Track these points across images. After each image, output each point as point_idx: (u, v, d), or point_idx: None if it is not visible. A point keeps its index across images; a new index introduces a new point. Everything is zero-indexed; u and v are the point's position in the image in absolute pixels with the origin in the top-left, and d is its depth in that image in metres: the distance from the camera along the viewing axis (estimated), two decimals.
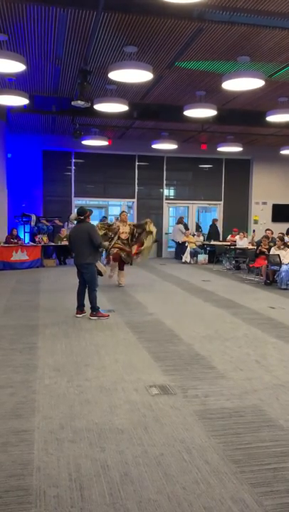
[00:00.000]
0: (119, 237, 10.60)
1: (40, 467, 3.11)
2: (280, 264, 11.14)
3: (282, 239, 12.21)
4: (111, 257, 10.87)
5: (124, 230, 10.64)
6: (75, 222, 7.97)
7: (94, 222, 10.33)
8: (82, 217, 7.64)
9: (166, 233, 19.24)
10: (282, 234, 13.86)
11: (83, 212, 7.67)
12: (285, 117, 11.90)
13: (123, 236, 10.59)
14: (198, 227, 19.32)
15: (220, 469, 3.10)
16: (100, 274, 7.85)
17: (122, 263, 10.74)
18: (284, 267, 10.98)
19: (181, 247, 17.51)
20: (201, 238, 17.93)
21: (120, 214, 11.27)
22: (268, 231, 13.89)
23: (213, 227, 18.43)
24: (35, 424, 3.73)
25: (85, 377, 4.82)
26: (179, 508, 2.69)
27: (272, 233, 13.77)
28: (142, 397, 4.32)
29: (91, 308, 7.57)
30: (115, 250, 10.51)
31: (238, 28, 7.73)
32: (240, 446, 3.41)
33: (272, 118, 11.90)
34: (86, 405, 4.12)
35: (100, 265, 7.92)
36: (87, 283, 7.60)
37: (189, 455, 3.28)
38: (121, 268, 10.79)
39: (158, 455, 3.28)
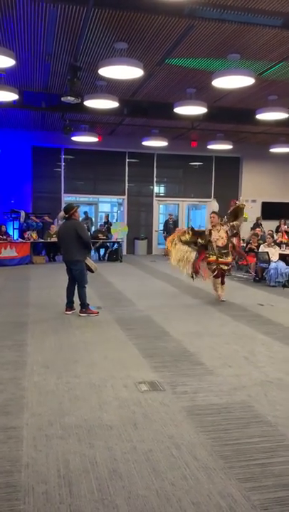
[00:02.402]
0: (215, 246, 8.66)
1: (29, 464, 3.11)
2: (268, 261, 11.21)
3: (272, 236, 12.29)
4: (203, 270, 8.83)
5: (220, 236, 8.66)
6: (64, 220, 7.95)
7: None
8: (67, 215, 7.63)
9: (156, 230, 19.26)
10: (272, 231, 13.96)
11: (69, 209, 7.65)
12: (275, 115, 11.96)
13: (220, 243, 8.64)
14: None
15: (208, 465, 3.13)
16: (91, 270, 7.83)
17: (223, 276, 8.93)
18: (273, 265, 11.05)
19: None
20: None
21: (210, 217, 9.04)
22: (257, 229, 13.97)
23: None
24: (24, 421, 3.73)
25: (75, 374, 4.81)
26: (168, 504, 2.71)
27: (261, 231, 13.85)
28: (131, 393, 4.32)
29: (80, 305, 7.55)
30: (214, 266, 8.67)
31: (228, 25, 7.74)
32: (228, 442, 3.43)
33: (262, 116, 11.95)
34: (75, 402, 4.12)
35: (90, 262, 7.90)
36: (76, 280, 7.58)
37: (178, 451, 3.30)
38: (222, 282, 8.95)
39: (147, 451, 3.29)
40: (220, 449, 3.32)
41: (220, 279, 8.86)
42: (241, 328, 6.86)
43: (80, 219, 17.14)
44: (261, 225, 17.10)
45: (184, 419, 3.81)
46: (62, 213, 7.94)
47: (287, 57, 9.19)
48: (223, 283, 8.96)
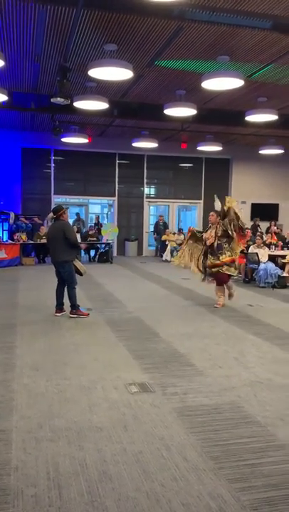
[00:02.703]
0: (208, 250, 8.36)
1: (18, 467, 3.09)
2: (258, 262, 11.27)
3: (261, 237, 12.35)
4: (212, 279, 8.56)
5: (210, 235, 8.29)
6: (53, 220, 7.93)
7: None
8: (55, 216, 7.61)
9: (146, 232, 19.27)
10: (261, 233, 14.04)
11: (57, 211, 7.64)
12: (264, 117, 12.04)
13: (208, 242, 8.29)
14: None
15: (198, 466, 3.13)
16: (80, 273, 7.81)
17: (221, 280, 8.44)
18: (262, 265, 11.10)
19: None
20: (182, 237, 17.98)
21: (209, 215, 8.53)
22: (247, 230, 14.01)
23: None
24: (13, 424, 3.70)
25: (64, 376, 4.79)
26: (158, 505, 2.70)
27: (250, 232, 13.90)
28: (121, 395, 4.32)
29: (71, 306, 7.52)
30: (214, 270, 8.28)
31: (217, 27, 7.78)
32: (218, 443, 3.44)
33: (251, 118, 12.03)
34: (65, 404, 4.10)
35: (79, 264, 7.87)
36: (65, 281, 7.55)
37: (168, 452, 3.30)
38: (226, 281, 8.49)
39: (137, 453, 3.28)
40: (210, 450, 3.33)
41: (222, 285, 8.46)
42: (231, 329, 6.88)
43: (72, 220, 17.22)
44: (259, 226, 17.17)
45: (174, 420, 3.81)
46: (51, 214, 7.94)
47: (277, 59, 9.25)
48: (220, 284, 8.47)
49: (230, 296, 8.61)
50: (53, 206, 17.88)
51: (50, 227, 8.05)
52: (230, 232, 8.15)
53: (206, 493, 2.83)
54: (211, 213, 8.45)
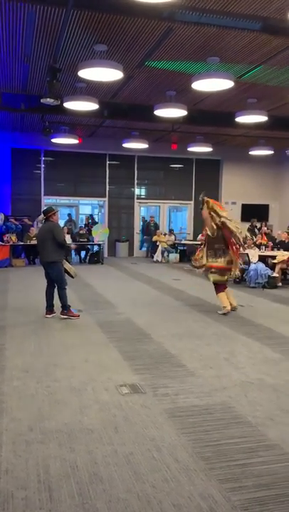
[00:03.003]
0: (212, 247, 7.85)
1: (8, 469, 3.07)
2: (248, 263, 11.31)
3: (251, 238, 12.39)
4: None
5: (211, 226, 7.78)
6: (43, 222, 7.92)
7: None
8: (45, 217, 7.61)
9: (137, 232, 19.27)
10: (261, 234, 14.07)
11: (47, 212, 7.64)
12: (254, 118, 12.09)
13: (211, 232, 7.74)
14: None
15: (189, 466, 3.13)
16: (70, 275, 7.78)
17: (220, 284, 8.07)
18: (252, 266, 11.15)
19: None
20: (172, 238, 18.02)
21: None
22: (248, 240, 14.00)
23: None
24: (3, 426, 3.67)
25: (55, 378, 4.77)
26: (149, 507, 2.70)
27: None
28: (112, 396, 4.31)
29: (62, 307, 7.49)
30: (213, 274, 7.91)
31: (207, 29, 7.80)
32: (209, 443, 3.44)
33: (242, 119, 12.07)
34: (55, 406, 4.08)
35: (69, 266, 7.85)
36: (55, 282, 7.51)
37: (159, 453, 3.30)
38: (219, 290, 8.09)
39: (128, 454, 3.28)
40: (201, 451, 3.33)
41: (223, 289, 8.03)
42: (222, 330, 6.90)
43: (64, 221, 17.15)
44: (256, 227, 17.20)
45: (165, 421, 3.81)
46: (41, 216, 7.96)
47: (266, 61, 9.30)
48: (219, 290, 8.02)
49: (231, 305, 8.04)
50: (43, 207, 17.89)
51: (39, 229, 8.04)
52: (233, 229, 7.67)
53: (197, 493, 2.83)
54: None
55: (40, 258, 7.85)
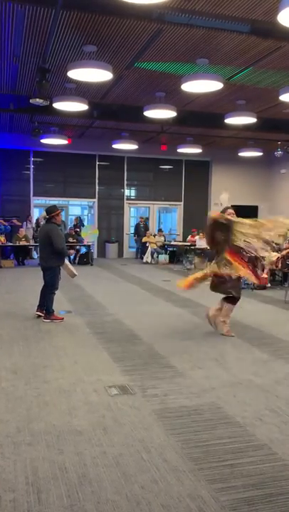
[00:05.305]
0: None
1: None
2: None
3: None
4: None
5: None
6: (44, 220, 7.76)
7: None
8: (47, 217, 7.38)
9: (127, 233, 19.26)
10: None
11: (50, 211, 7.36)
12: (243, 120, 12.15)
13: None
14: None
15: (178, 467, 3.13)
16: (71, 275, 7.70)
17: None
18: None
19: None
20: (162, 239, 18.04)
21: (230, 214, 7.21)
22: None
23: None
24: None
25: (44, 379, 4.75)
26: (138, 508, 2.69)
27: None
28: (101, 397, 4.29)
29: (45, 310, 7.39)
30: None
31: (196, 30, 7.82)
32: (198, 444, 3.45)
33: (231, 120, 12.12)
34: (44, 407, 4.06)
35: (68, 266, 7.71)
36: (46, 283, 7.45)
37: (148, 454, 3.29)
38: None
39: (117, 455, 3.27)
40: (189, 451, 3.33)
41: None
42: (211, 331, 6.91)
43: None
44: None
45: (154, 422, 3.81)
46: (43, 213, 7.73)
47: (255, 63, 9.35)
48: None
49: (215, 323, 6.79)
50: (32, 208, 17.84)
51: (40, 229, 7.87)
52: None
53: (185, 494, 2.83)
54: (231, 210, 7.32)
55: (39, 259, 7.73)
